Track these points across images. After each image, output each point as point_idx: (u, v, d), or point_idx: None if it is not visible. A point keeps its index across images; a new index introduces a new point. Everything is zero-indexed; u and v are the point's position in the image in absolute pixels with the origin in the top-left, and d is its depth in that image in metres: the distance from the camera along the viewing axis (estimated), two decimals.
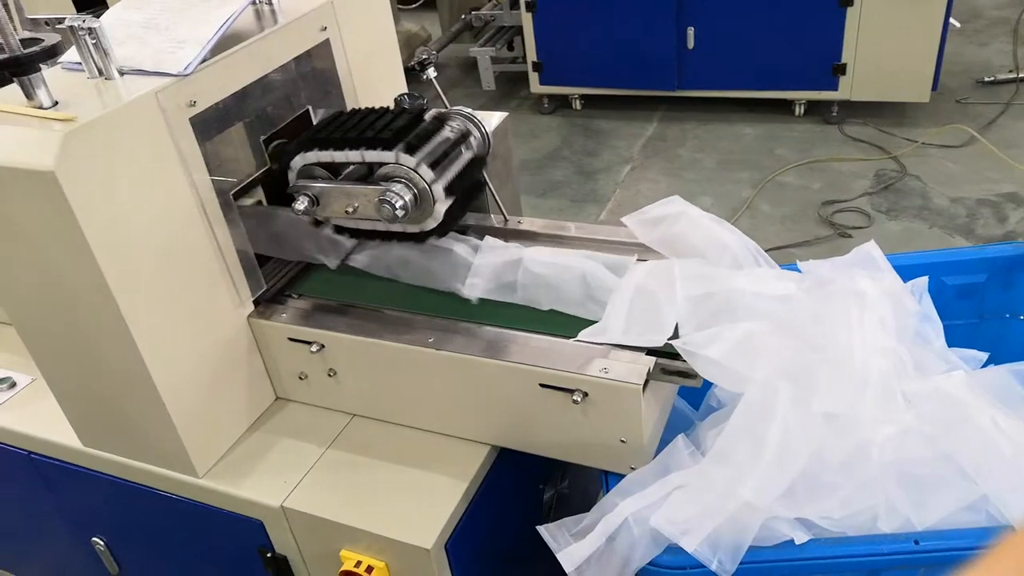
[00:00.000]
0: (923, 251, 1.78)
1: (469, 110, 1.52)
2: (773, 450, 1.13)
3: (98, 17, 1.27)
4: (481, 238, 1.50)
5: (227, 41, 1.33)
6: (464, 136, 1.46)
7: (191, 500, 1.40)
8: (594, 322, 1.32)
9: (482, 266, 1.43)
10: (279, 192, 1.46)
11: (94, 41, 1.23)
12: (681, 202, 1.45)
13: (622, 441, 1.24)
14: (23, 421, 1.57)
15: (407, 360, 1.33)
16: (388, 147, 1.33)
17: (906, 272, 1.58)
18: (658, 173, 3.94)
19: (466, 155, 1.44)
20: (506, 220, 1.62)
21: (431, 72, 1.57)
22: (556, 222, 1.62)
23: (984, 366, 1.56)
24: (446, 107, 1.52)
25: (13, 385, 1.65)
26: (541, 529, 1.21)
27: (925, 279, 1.54)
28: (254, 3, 1.48)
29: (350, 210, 1.38)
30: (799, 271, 1.51)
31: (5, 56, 1.14)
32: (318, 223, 1.47)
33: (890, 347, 1.31)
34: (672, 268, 1.34)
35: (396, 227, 1.39)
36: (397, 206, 1.31)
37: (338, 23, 1.54)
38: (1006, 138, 3.74)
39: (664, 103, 4.44)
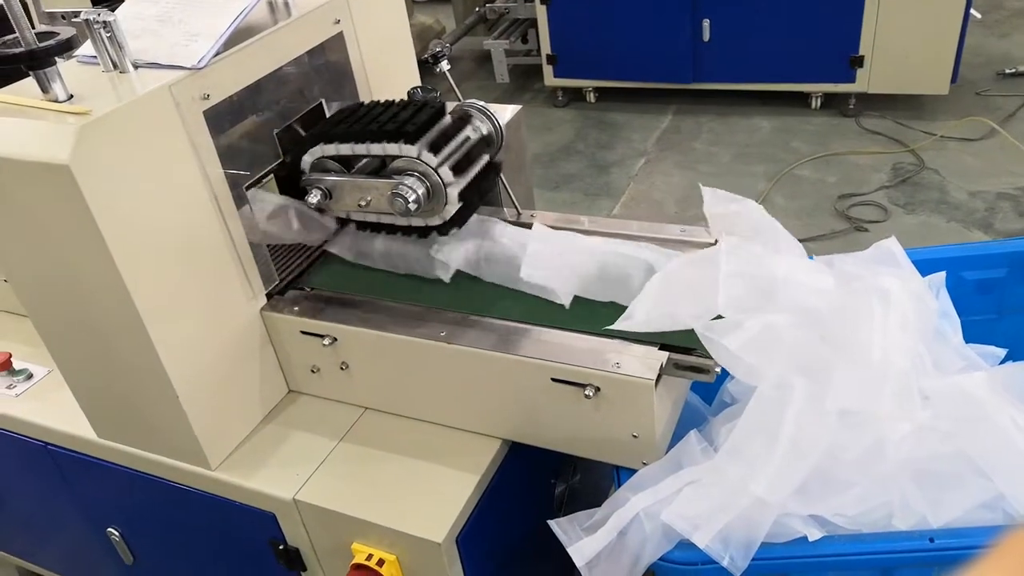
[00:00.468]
0: (941, 245, 1.76)
1: (482, 103, 1.51)
2: (786, 446, 1.12)
3: (113, 11, 1.27)
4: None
5: (241, 34, 1.33)
6: (480, 131, 1.45)
7: (204, 492, 1.41)
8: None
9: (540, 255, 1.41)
10: (292, 185, 1.46)
11: (108, 35, 1.23)
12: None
13: (634, 436, 1.24)
14: (40, 412, 1.59)
15: (419, 354, 1.33)
16: (410, 141, 1.33)
17: (924, 267, 1.56)
18: (672, 166, 3.92)
19: (481, 149, 1.44)
20: (519, 213, 1.61)
21: (444, 65, 1.57)
22: (569, 215, 1.61)
23: (1002, 362, 1.54)
24: (459, 100, 1.52)
25: (30, 377, 1.66)
26: (552, 523, 1.20)
27: (942, 275, 1.53)
28: None
29: (363, 203, 1.39)
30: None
31: (20, 50, 1.15)
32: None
33: (911, 346, 1.29)
34: (718, 252, 1.31)
35: (409, 221, 1.39)
36: (410, 199, 1.31)
37: (352, 16, 1.54)
38: None
39: (679, 96, 4.41)
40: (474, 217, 1.46)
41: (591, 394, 1.20)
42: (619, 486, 1.26)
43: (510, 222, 1.57)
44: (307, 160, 1.43)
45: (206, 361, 1.33)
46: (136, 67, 1.26)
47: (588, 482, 1.69)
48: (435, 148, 1.34)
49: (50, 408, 1.57)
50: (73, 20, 1.40)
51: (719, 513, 1.10)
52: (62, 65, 1.21)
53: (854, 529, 1.18)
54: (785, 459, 1.11)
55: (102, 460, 1.51)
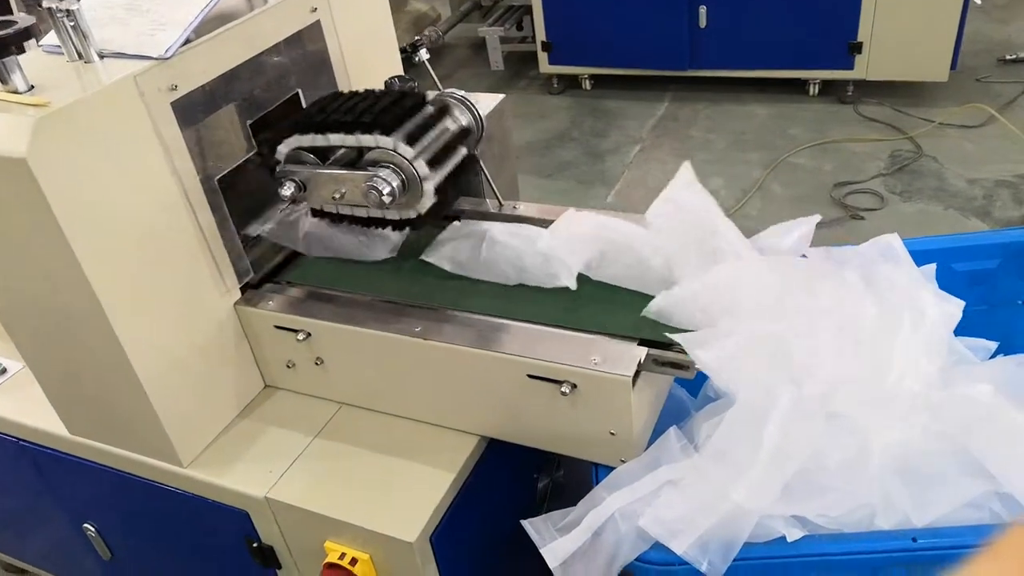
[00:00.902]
0: (933, 236, 1.72)
1: (463, 93, 1.48)
2: (769, 452, 1.09)
3: None
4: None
5: (211, 23, 1.30)
6: (458, 121, 1.42)
7: (176, 489, 1.39)
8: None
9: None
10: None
11: (72, 23, 1.20)
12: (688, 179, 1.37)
13: (612, 433, 1.21)
14: (13, 408, 1.56)
15: (394, 350, 1.30)
16: (386, 132, 1.30)
17: (915, 258, 1.53)
18: (668, 154, 3.88)
19: (459, 141, 1.40)
20: (501, 205, 1.58)
21: (423, 54, 1.53)
22: (553, 207, 1.58)
23: (993, 355, 1.51)
24: (439, 90, 1.48)
25: (3, 371, 1.64)
26: (526, 523, 1.18)
27: (932, 267, 1.49)
28: None
29: (337, 196, 1.36)
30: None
31: None
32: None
33: (929, 372, 1.25)
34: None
35: (385, 214, 1.36)
36: (384, 192, 1.28)
37: (330, 4, 1.50)
38: None
39: (675, 83, 4.36)
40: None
41: (567, 391, 1.18)
42: (597, 483, 1.23)
43: (493, 214, 1.55)
44: (282, 151, 1.40)
45: (176, 356, 1.30)
46: (102, 57, 1.23)
47: (572, 476, 1.66)
48: (411, 139, 1.31)
49: (24, 404, 1.55)
50: (38, 8, 1.36)
51: (698, 519, 1.07)
52: (27, 55, 1.18)
53: (837, 529, 1.16)
54: (768, 466, 1.08)
55: (75, 456, 1.49)
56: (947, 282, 1.62)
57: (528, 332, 1.28)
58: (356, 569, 1.26)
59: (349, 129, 1.32)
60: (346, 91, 1.51)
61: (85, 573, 1.79)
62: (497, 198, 1.58)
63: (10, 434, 1.57)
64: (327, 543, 1.29)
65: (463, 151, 1.42)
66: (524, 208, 1.56)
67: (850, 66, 3.85)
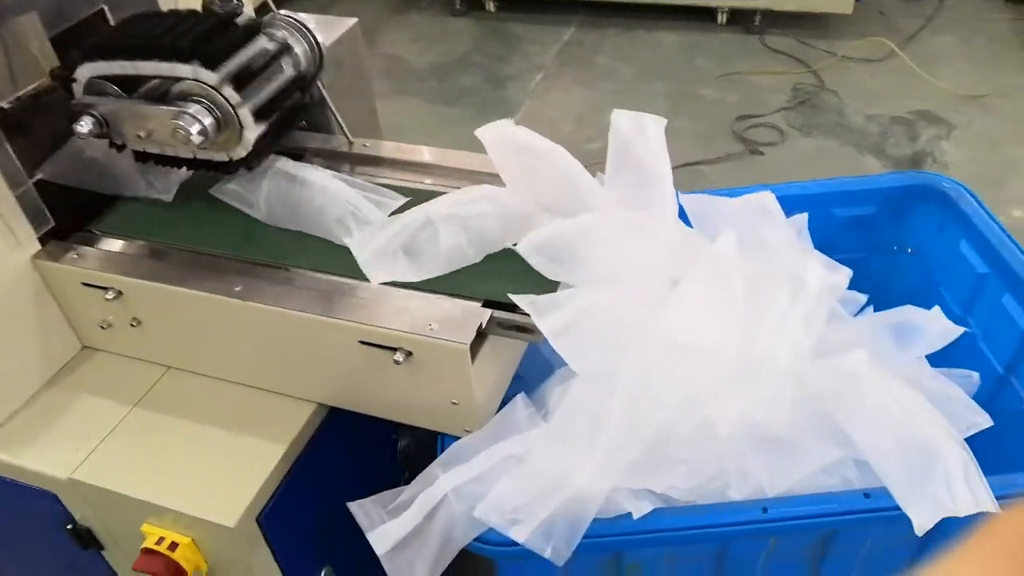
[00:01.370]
0: (813, 180, 1.66)
1: (300, 16, 1.30)
2: (614, 430, 1.00)
3: None
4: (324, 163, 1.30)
5: None
6: (285, 48, 1.25)
7: None
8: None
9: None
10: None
11: None
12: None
13: (454, 403, 1.11)
14: None
15: (211, 311, 1.16)
16: (184, 59, 1.11)
17: (796, 203, 1.47)
18: (572, 82, 3.72)
19: (286, 70, 1.23)
20: (351, 143, 1.42)
21: None
22: (409, 146, 1.43)
23: (866, 306, 1.47)
24: (272, 11, 1.30)
25: None
26: (352, 506, 1.08)
27: (804, 216, 1.43)
28: None
29: (143, 134, 1.17)
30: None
31: None
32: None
33: (803, 345, 1.17)
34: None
35: (200, 154, 1.19)
36: (193, 131, 1.11)
37: None
38: (925, 53, 3.62)
39: (584, 8, 4.17)
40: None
41: (401, 360, 1.06)
42: (441, 453, 1.14)
43: (339, 152, 1.39)
44: (80, 79, 1.20)
45: None
46: None
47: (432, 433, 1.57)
48: (222, 68, 1.13)
49: None
50: None
51: (539, 505, 0.98)
52: None
53: (691, 501, 1.09)
54: (611, 446, 1.00)
55: None
56: (827, 227, 1.58)
57: (365, 292, 1.15)
58: (176, 554, 1.14)
59: (156, 55, 1.13)
60: (165, 10, 1.31)
61: None
62: (345, 134, 1.42)
63: None
64: (144, 526, 1.15)
65: (294, 83, 1.25)
66: (374, 148, 1.41)
67: None
